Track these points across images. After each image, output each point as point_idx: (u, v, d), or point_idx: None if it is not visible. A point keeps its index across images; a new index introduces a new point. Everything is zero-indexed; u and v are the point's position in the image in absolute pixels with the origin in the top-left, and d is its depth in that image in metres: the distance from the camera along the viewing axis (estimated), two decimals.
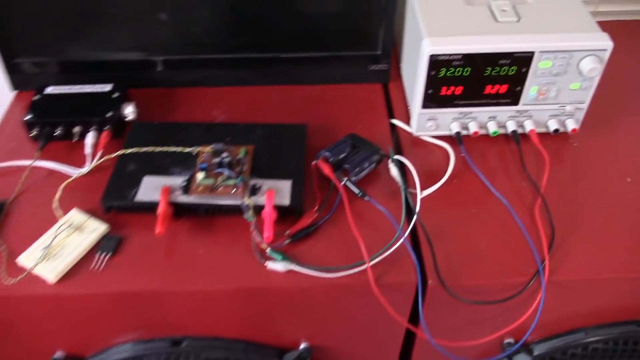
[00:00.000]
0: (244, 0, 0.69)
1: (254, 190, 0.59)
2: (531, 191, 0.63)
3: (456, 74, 0.62)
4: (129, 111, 0.69)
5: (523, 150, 0.67)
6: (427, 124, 0.67)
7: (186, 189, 0.59)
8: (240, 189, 0.58)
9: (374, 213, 0.60)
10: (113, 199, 0.60)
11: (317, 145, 0.67)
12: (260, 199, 0.58)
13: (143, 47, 0.72)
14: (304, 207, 0.60)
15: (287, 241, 0.57)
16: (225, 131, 0.66)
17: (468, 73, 0.62)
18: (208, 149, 0.62)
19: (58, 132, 0.67)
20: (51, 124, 0.67)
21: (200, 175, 0.59)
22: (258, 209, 0.58)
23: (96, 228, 0.58)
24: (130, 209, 0.59)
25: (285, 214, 0.59)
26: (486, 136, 0.68)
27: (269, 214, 0.57)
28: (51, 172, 0.65)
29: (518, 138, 0.67)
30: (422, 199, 0.62)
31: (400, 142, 0.69)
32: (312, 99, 0.75)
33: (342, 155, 0.63)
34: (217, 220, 0.60)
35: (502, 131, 0.67)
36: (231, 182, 0.58)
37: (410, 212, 0.60)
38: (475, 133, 0.66)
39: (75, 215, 0.59)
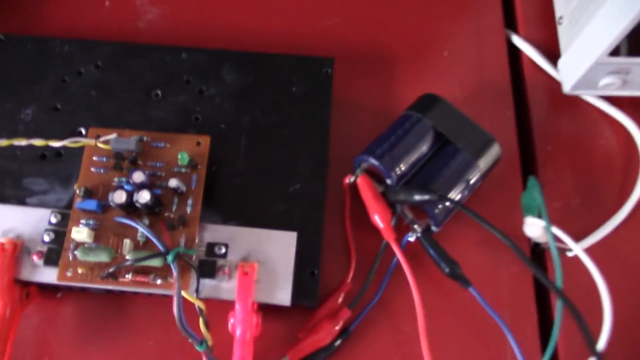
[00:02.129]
0: None
1: (211, 262, 0.26)
2: None
3: None
4: None
5: None
6: (602, 79, 0.30)
7: (52, 260, 0.26)
8: (175, 277, 0.24)
9: (475, 305, 0.28)
10: None
11: (351, 96, 0.32)
12: (225, 285, 0.26)
13: None
14: (322, 288, 0.28)
15: None
16: (155, 63, 0.30)
17: None
18: (102, 143, 0.26)
19: None
20: None
21: (80, 235, 0.25)
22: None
23: None
24: None
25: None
26: None
27: (241, 339, 0.25)
28: None
29: None
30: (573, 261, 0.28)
31: (527, 89, 0.33)
32: None
33: (412, 163, 0.28)
34: (133, 299, 0.28)
35: None
36: (156, 262, 0.25)
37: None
38: None
39: None
